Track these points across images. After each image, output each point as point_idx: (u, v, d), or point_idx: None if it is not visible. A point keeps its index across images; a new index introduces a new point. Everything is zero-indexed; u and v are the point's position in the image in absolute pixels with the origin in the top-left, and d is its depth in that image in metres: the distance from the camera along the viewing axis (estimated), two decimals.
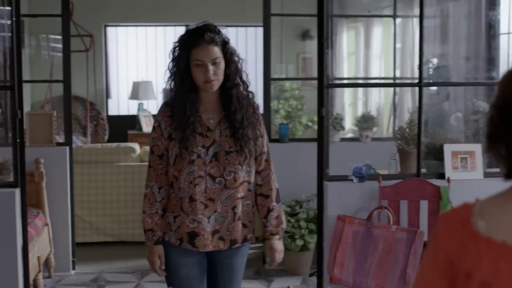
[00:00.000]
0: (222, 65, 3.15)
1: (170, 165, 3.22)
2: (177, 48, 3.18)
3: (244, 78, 3.25)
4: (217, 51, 3.13)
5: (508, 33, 5.57)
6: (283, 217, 3.39)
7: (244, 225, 3.29)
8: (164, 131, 3.21)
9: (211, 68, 3.11)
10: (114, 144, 7.47)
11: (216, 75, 3.13)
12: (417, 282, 1.56)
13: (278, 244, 3.35)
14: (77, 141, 9.23)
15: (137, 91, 10.41)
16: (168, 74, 3.22)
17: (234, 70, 3.20)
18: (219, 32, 3.17)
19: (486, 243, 1.42)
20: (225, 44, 3.18)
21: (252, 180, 3.29)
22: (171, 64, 3.20)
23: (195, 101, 3.18)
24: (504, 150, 1.48)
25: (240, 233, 3.27)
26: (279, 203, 3.38)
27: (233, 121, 3.19)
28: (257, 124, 3.28)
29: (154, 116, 10.23)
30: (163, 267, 3.27)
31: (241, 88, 3.24)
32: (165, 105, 3.26)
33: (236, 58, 3.21)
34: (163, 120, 3.22)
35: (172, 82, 3.21)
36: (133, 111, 10.79)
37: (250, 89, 3.30)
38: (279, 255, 3.36)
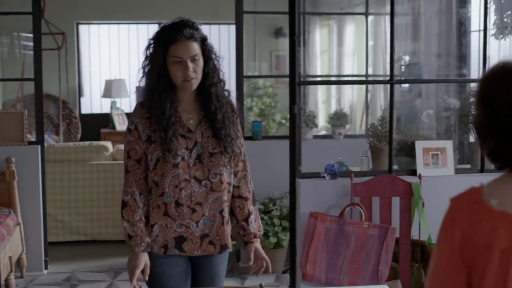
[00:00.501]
0: (201, 62, 3.00)
1: (150, 170, 3.04)
2: (152, 45, 3.02)
3: (221, 76, 3.11)
4: (196, 47, 2.98)
5: (479, 31, 5.61)
6: (260, 221, 3.26)
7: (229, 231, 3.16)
8: (142, 134, 3.02)
9: (190, 65, 2.96)
10: (87, 143, 7.42)
11: (195, 72, 2.98)
12: (433, 263, 1.72)
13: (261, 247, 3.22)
14: (50, 139, 9.17)
15: (110, 89, 10.35)
16: (141, 72, 3.05)
17: (213, 68, 3.06)
18: (197, 28, 3.02)
19: (501, 216, 1.59)
20: (204, 41, 3.03)
21: (232, 181, 3.17)
22: (146, 61, 3.04)
23: (173, 100, 3.02)
24: (492, 146, 1.68)
25: (229, 237, 3.13)
26: (255, 206, 3.24)
27: (214, 121, 3.04)
28: (236, 123, 3.15)
29: (127, 114, 10.22)
30: (147, 278, 3.08)
31: (219, 87, 3.10)
32: (140, 106, 3.07)
33: (214, 56, 3.07)
34: (140, 123, 3.03)
35: (148, 81, 3.02)
36: (106, 109, 10.74)
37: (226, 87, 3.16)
38: (265, 257, 3.21)
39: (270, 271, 3.28)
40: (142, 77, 3.06)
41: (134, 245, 3.05)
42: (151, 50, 3.03)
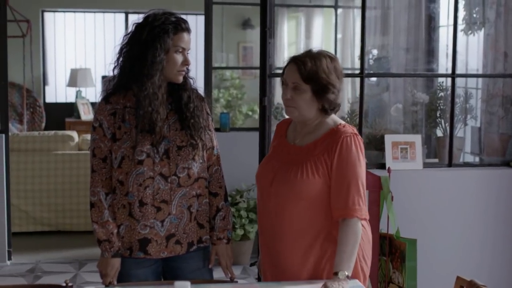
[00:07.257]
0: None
1: (114, 169, 2.96)
2: (150, 29, 2.87)
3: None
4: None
5: (447, 26, 5.64)
6: (230, 218, 3.16)
7: (200, 226, 3.06)
8: (106, 131, 2.95)
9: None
10: (52, 132, 7.33)
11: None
12: None
13: (225, 249, 3.14)
14: (13, 128, 9.05)
15: (75, 78, 10.25)
16: (121, 55, 2.93)
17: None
18: None
19: None
20: None
21: (206, 176, 3.10)
22: (135, 45, 2.90)
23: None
24: None
25: (196, 234, 3.05)
26: (227, 202, 3.17)
27: (184, 110, 2.99)
28: (206, 116, 3.11)
29: (93, 104, 10.13)
30: (115, 283, 2.99)
31: (191, 81, 3.08)
32: (104, 102, 2.98)
33: None
34: (104, 119, 2.95)
35: (137, 63, 2.89)
36: (71, 99, 10.63)
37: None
38: (224, 261, 3.15)
39: (226, 270, 3.17)
40: (142, 62, 2.89)
41: (104, 250, 2.97)
42: (146, 34, 2.88)
